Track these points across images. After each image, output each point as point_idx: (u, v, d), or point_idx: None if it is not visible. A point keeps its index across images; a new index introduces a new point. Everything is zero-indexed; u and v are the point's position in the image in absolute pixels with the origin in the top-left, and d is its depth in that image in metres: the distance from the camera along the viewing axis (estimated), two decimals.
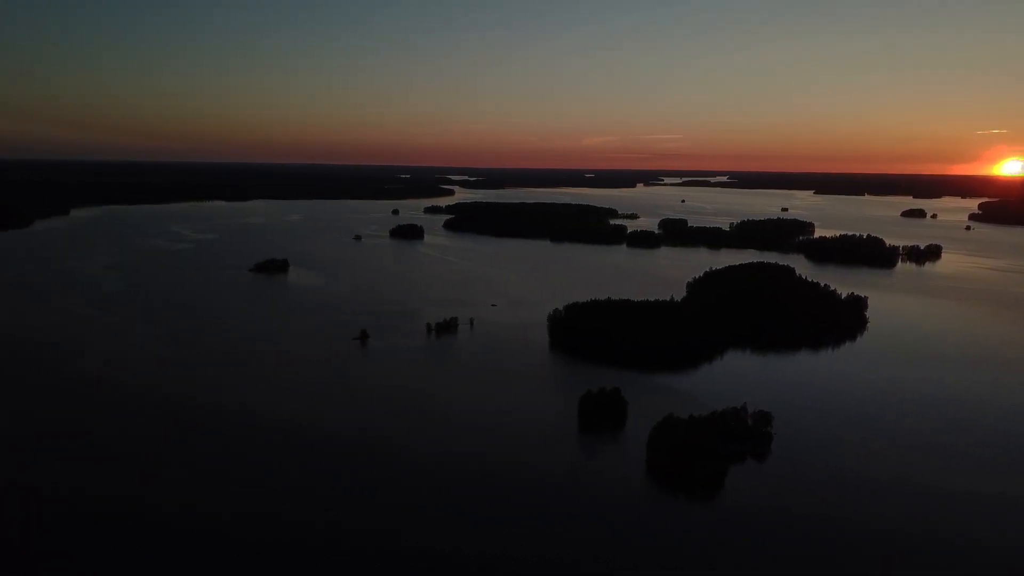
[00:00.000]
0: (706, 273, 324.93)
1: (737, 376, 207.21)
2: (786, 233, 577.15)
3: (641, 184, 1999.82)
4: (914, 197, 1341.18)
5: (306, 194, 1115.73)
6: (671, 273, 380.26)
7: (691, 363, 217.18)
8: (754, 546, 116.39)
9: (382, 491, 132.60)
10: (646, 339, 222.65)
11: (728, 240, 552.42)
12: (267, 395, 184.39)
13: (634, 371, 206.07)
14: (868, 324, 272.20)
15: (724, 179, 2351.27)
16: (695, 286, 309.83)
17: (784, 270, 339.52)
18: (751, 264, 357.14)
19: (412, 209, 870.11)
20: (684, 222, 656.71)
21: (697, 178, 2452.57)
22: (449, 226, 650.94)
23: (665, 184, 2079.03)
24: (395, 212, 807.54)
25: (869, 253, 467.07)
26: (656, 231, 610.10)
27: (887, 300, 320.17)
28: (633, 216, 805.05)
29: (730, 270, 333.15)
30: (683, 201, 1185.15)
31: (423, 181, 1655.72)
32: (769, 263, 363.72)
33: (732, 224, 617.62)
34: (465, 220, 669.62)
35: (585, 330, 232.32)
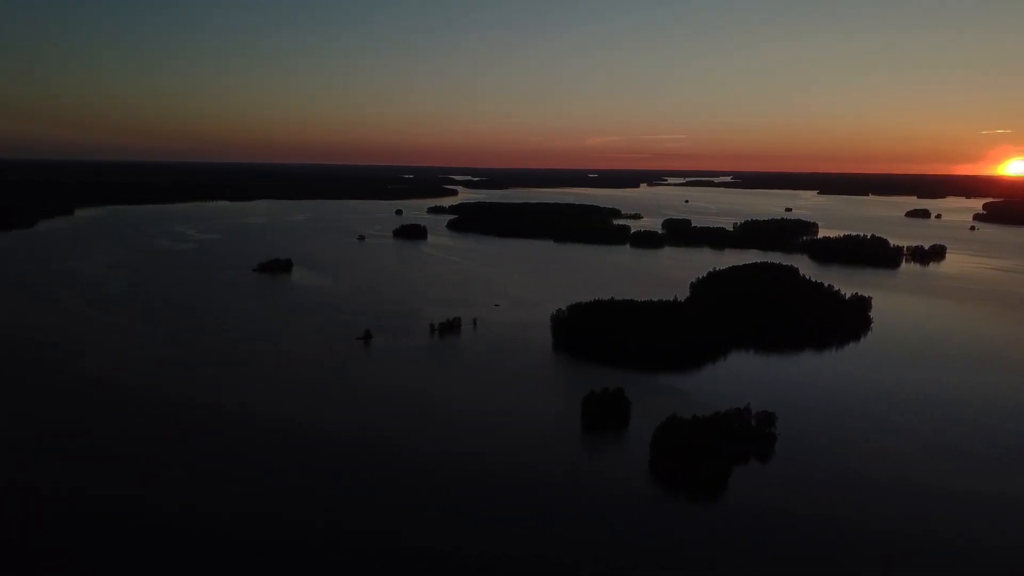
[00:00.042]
0: (710, 273, 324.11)
1: (741, 376, 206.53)
2: (790, 233, 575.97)
3: (645, 184, 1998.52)
4: (918, 197, 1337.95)
5: (309, 194, 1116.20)
6: (674, 273, 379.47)
7: (695, 363, 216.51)
8: (757, 547, 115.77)
9: (384, 491, 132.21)
10: (649, 339, 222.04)
11: (732, 240, 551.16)
12: (269, 395, 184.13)
13: (637, 371, 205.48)
14: (872, 324, 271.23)
15: (728, 179, 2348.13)
16: (699, 286, 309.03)
17: (788, 270, 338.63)
18: (755, 264, 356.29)
19: (416, 209, 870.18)
20: (688, 222, 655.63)
21: (701, 178, 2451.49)
22: (452, 226, 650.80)
23: (669, 184, 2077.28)
24: (399, 212, 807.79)
25: (873, 253, 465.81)
26: (660, 231, 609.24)
27: (891, 300, 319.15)
28: (637, 216, 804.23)
29: (734, 270, 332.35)
30: (687, 201, 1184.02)
31: (426, 181, 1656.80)
32: (773, 263, 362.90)
33: (736, 224, 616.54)
34: (468, 220, 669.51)
35: (588, 330, 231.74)
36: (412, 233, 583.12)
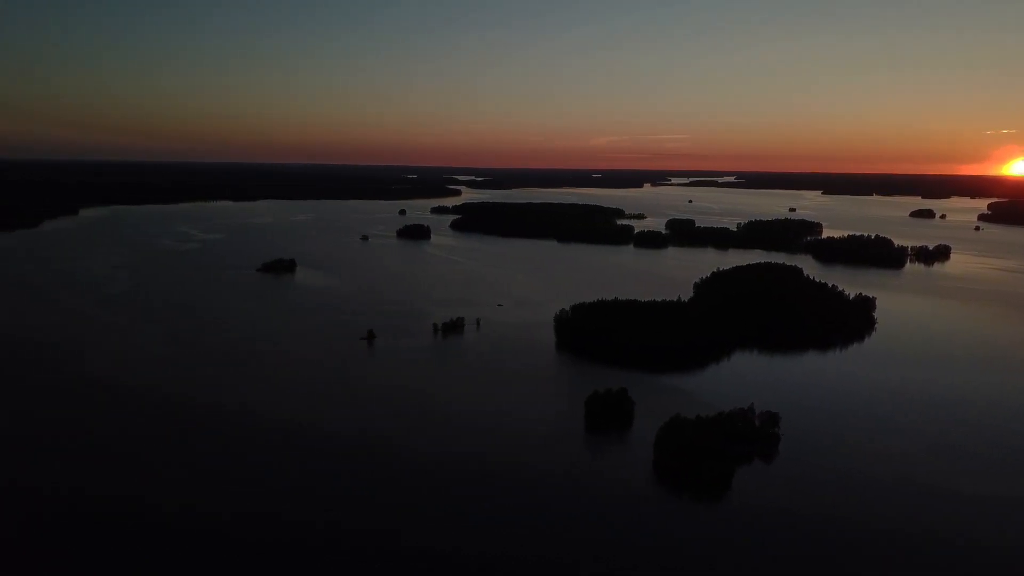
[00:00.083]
0: (713, 273, 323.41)
1: (744, 377, 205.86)
2: (794, 233, 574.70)
3: (648, 184, 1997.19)
4: (923, 197, 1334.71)
5: (312, 194, 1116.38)
6: (678, 273, 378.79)
7: (698, 364, 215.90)
8: (761, 547, 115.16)
9: (385, 491, 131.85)
10: (653, 339, 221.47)
11: (735, 240, 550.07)
12: (271, 395, 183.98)
13: (641, 371, 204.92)
14: (876, 325, 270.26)
15: (731, 179, 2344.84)
16: (702, 286, 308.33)
17: (792, 271, 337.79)
18: (758, 264, 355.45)
19: (419, 209, 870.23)
20: (691, 222, 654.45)
21: (704, 178, 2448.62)
22: (456, 226, 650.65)
23: (672, 184, 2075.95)
24: (402, 212, 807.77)
25: (877, 253, 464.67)
26: (663, 231, 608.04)
27: (895, 301, 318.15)
28: (640, 216, 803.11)
29: (737, 270, 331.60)
30: (690, 201, 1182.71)
31: (430, 181, 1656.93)
32: (777, 263, 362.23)
33: (739, 224, 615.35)
34: (472, 220, 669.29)
35: (592, 330, 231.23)
36: (415, 233, 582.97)
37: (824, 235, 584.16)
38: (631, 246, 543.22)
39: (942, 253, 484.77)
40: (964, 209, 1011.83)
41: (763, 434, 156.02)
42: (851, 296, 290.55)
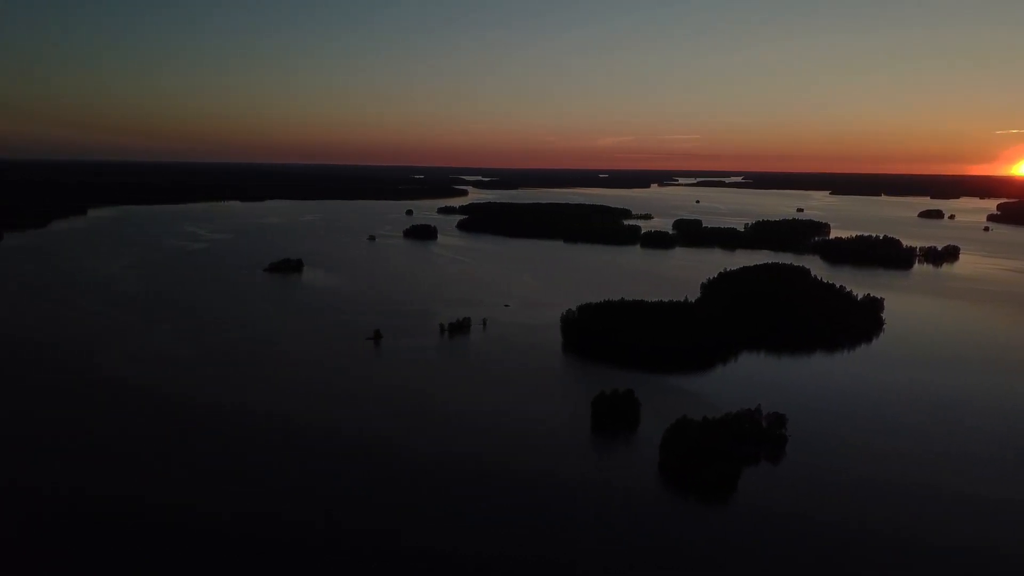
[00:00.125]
0: (720, 274, 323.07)
1: (751, 378, 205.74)
2: (801, 234, 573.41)
3: (655, 184, 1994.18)
4: (931, 197, 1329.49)
5: (319, 194, 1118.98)
6: (685, 274, 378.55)
7: (705, 364, 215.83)
8: (767, 549, 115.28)
9: (391, 491, 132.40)
10: (660, 340, 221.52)
11: (743, 241, 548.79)
12: (276, 395, 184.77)
13: (647, 372, 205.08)
14: (884, 326, 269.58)
15: (739, 179, 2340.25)
16: (709, 287, 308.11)
17: (799, 271, 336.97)
18: (766, 265, 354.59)
19: (426, 209, 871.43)
20: (698, 223, 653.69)
21: (712, 178, 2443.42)
22: (463, 226, 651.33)
23: (679, 185, 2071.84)
24: (409, 212, 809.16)
25: (885, 254, 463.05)
26: (670, 232, 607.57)
27: (904, 302, 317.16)
28: (647, 216, 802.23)
29: (745, 271, 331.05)
30: (697, 201, 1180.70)
31: (436, 181, 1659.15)
32: (784, 264, 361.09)
33: (747, 225, 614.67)
34: (479, 220, 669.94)
35: (598, 331, 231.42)
36: (422, 233, 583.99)
37: (832, 236, 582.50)
38: (638, 246, 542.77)
39: (951, 254, 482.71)
40: (973, 210, 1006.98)
41: (770, 435, 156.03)
42: (859, 297, 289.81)
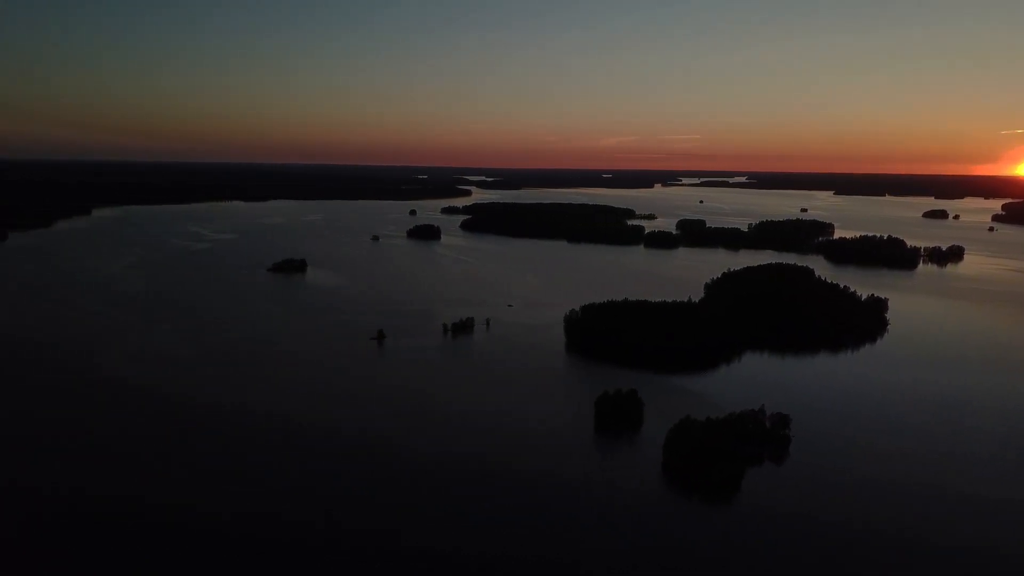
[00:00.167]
0: (724, 274, 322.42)
1: (755, 378, 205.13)
2: (805, 234, 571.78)
3: (659, 184, 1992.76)
4: (936, 198, 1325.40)
5: (322, 194, 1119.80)
6: (689, 274, 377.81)
7: (709, 365, 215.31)
8: (771, 549, 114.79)
9: (394, 491, 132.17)
10: (663, 340, 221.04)
11: (747, 241, 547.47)
12: (279, 395, 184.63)
13: (651, 372, 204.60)
14: (888, 326, 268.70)
15: (743, 180, 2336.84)
16: (713, 287, 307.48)
17: (803, 271, 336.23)
18: (770, 265, 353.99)
19: (429, 210, 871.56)
20: (702, 223, 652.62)
21: (715, 178, 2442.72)
22: (466, 226, 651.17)
23: (683, 185, 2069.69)
24: (412, 212, 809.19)
25: (890, 254, 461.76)
26: (674, 232, 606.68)
27: (908, 302, 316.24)
28: (651, 216, 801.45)
29: (748, 271, 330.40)
30: (701, 202, 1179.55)
31: (440, 181, 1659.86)
32: (788, 264, 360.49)
33: (750, 225, 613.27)
34: (482, 221, 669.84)
35: (602, 331, 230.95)
36: (426, 233, 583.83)
37: (836, 236, 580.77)
38: (641, 247, 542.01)
39: (955, 254, 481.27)
40: (978, 210, 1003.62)
41: (774, 436, 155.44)
42: (863, 297, 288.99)
